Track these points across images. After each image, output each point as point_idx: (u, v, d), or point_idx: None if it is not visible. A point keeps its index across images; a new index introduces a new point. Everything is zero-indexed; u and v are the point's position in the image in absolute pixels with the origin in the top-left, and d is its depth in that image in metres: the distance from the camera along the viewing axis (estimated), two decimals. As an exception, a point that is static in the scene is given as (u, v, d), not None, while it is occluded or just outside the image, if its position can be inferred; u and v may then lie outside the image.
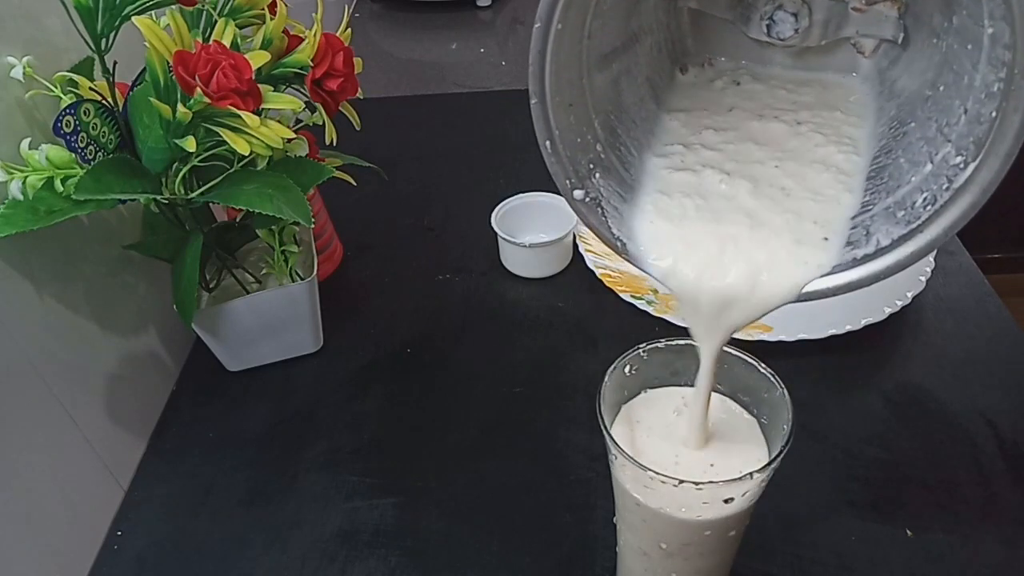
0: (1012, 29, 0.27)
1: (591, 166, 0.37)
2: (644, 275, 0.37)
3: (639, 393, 0.41)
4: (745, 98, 0.41)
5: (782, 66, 0.42)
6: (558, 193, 0.36)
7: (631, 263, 0.37)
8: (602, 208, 0.37)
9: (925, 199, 0.32)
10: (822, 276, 0.35)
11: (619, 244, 0.37)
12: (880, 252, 0.33)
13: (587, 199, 0.36)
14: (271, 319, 0.62)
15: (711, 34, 0.43)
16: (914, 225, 0.32)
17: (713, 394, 0.39)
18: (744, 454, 0.38)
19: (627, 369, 0.40)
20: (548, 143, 0.34)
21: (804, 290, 0.35)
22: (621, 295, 0.67)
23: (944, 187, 0.31)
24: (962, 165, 0.30)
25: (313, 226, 0.54)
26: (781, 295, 0.35)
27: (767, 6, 0.39)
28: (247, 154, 0.48)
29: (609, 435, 0.37)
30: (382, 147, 0.88)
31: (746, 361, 0.40)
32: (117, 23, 0.47)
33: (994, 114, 0.28)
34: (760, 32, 0.40)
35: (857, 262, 0.34)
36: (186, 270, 0.54)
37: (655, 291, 0.68)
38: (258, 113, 0.47)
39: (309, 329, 0.65)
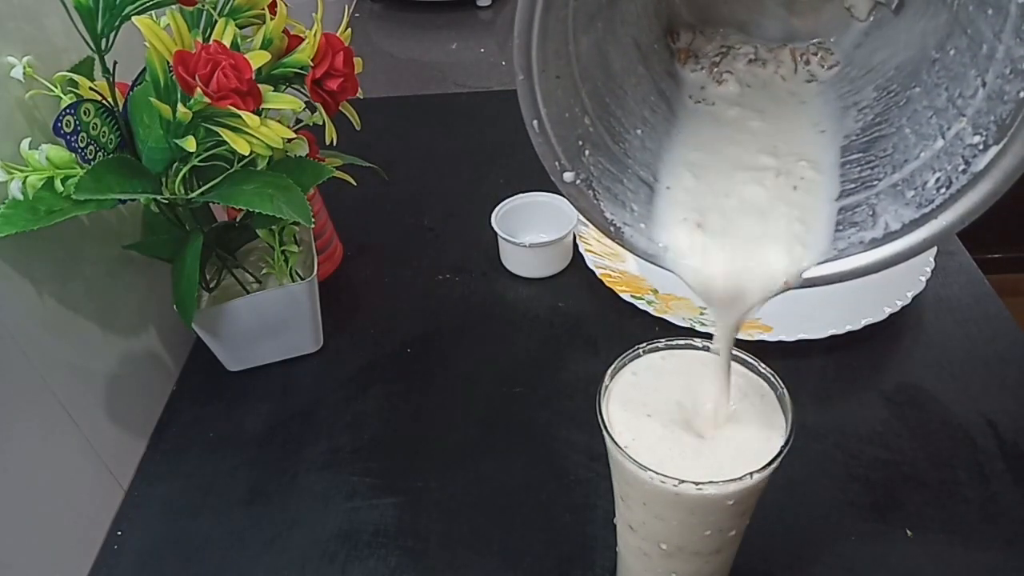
0: None
1: (580, 143, 0.36)
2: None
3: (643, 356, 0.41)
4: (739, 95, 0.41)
5: (768, 36, 0.41)
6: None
7: (623, 247, 0.37)
8: (594, 190, 0.36)
9: (939, 180, 0.30)
10: (830, 261, 0.33)
11: (612, 228, 0.36)
12: (889, 237, 0.32)
13: (578, 181, 0.35)
14: (271, 319, 0.62)
15: None
16: (926, 209, 0.30)
17: (744, 371, 0.39)
18: (759, 439, 0.38)
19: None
20: (535, 122, 0.33)
21: (808, 276, 0.34)
22: (621, 295, 0.67)
23: (960, 169, 0.29)
24: (981, 146, 0.28)
25: (313, 226, 0.54)
26: (770, 284, 0.34)
27: None
28: (247, 154, 0.48)
29: (609, 435, 0.37)
30: (382, 147, 0.88)
31: (746, 361, 0.40)
32: (117, 23, 0.47)
33: (1022, 95, 0.26)
34: None
35: (865, 246, 0.33)
36: (186, 270, 0.54)
37: (655, 291, 0.68)
38: (258, 113, 0.47)
39: (309, 329, 0.65)
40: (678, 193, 0.37)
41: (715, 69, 0.41)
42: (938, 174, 0.30)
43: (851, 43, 0.40)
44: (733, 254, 0.35)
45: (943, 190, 0.30)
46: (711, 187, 0.37)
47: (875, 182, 0.34)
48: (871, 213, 0.33)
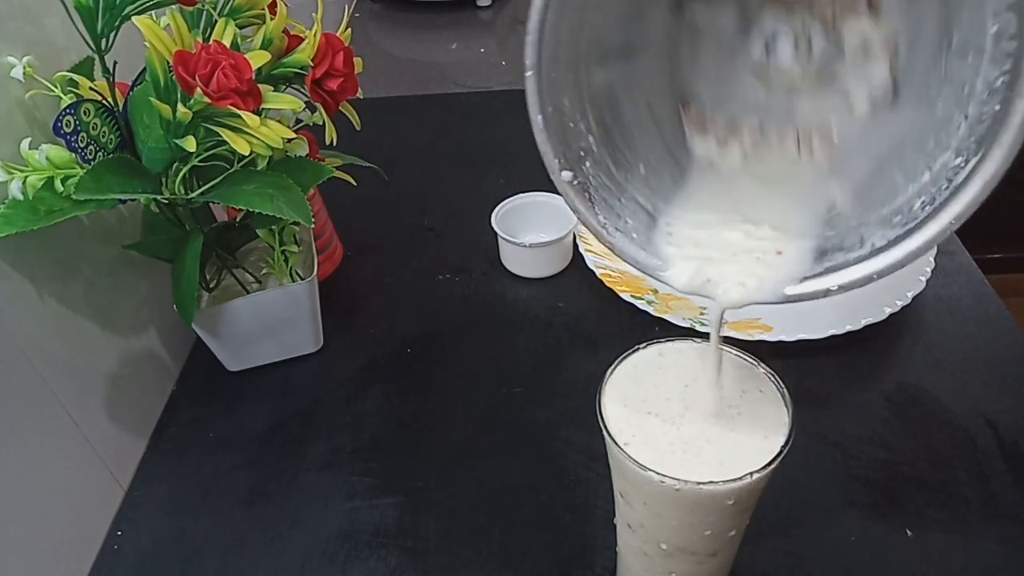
0: (1020, 16, 0.26)
1: (582, 154, 0.36)
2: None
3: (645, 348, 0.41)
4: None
5: (775, 117, 0.42)
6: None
7: (613, 251, 0.37)
8: (589, 194, 0.36)
9: (923, 202, 0.31)
10: (816, 277, 0.34)
11: (604, 231, 0.36)
12: (875, 252, 0.32)
13: (575, 182, 0.35)
14: (271, 319, 0.62)
15: (708, 66, 0.42)
16: (911, 225, 0.31)
17: (744, 370, 0.39)
18: (757, 437, 0.38)
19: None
20: (540, 118, 0.33)
21: (790, 292, 0.34)
22: (621, 295, 0.67)
23: (944, 188, 0.30)
24: (962, 163, 0.29)
25: (313, 226, 0.54)
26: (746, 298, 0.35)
27: (770, 23, 0.39)
28: (247, 154, 0.48)
29: (609, 434, 0.37)
30: (382, 147, 0.88)
31: (746, 361, 0.40)
32: (117, 23, 0.47)
33: (998, 107, 0.27)
34: (759, 53, 0.40)
35: (851, 263, 0.33)
36: (186, 270, 0.54)
37: (655, 291, 0.68)
38: (258, 113, 0.47)
39: (309, 329, 0.65)
40: (675, 247, 0.38)
41: (722, 141, 0.42)
42: (923, 198, 0.31)
43: (853, 131, 0.41)
44: (720, 277, 0.36)
45: (927, 207, 0.31)
46: (709, 239, 0.38)
47: (865, 222, 0.34)
48: (859, 239, 0.34)
